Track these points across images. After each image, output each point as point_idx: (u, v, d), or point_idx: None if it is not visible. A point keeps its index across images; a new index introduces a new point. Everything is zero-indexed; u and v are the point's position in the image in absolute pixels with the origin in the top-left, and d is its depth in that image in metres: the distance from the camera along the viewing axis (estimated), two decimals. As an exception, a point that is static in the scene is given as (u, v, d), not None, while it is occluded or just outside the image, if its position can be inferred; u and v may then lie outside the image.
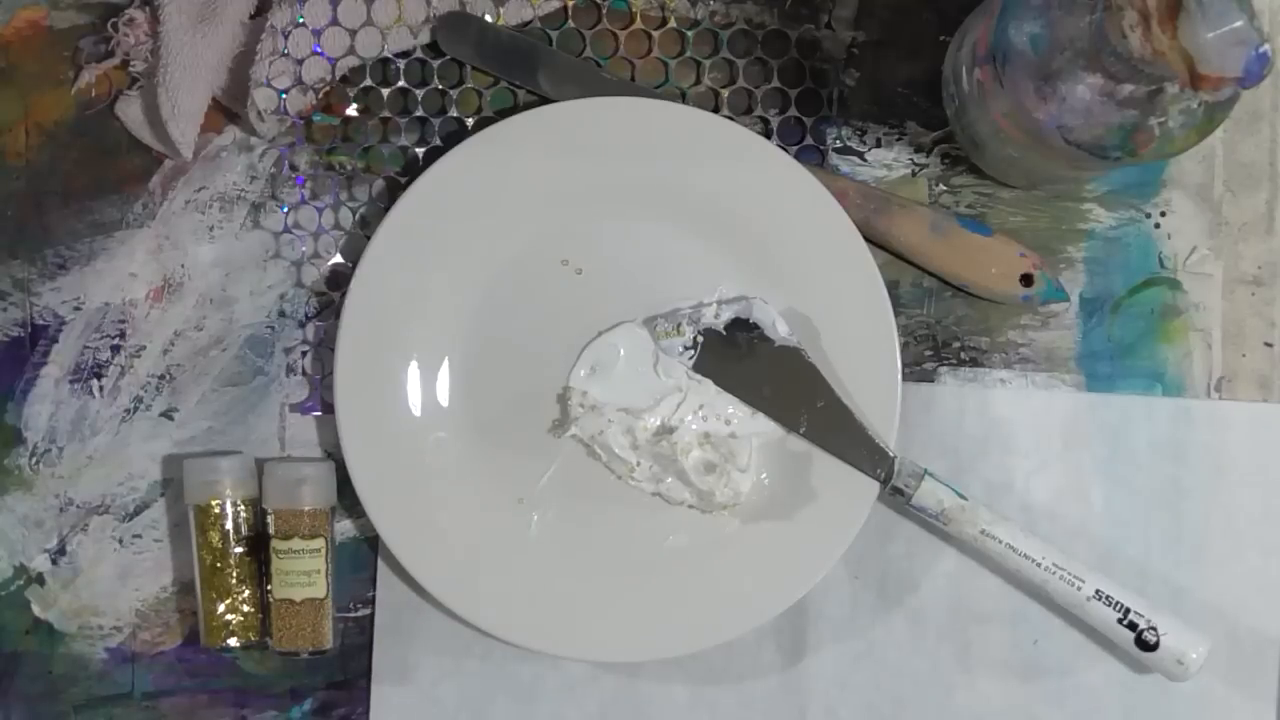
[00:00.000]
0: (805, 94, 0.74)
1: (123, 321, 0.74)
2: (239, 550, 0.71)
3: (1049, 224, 0.74)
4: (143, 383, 0.74)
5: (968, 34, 0.68)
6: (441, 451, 0.72)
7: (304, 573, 0.71)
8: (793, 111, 0.74)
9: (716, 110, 0.74)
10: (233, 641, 0.71)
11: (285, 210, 0.75)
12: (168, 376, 0.74)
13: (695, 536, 0.72)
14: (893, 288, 0.73)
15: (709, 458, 0.71)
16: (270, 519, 0.71)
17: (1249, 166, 0.74)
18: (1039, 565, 0.69)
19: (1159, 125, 0.60)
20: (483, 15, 0.74)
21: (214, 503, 0.71)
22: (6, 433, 0.74)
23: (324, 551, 0.71)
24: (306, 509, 0.71)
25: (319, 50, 0.74)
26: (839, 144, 0.74)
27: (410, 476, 0.72)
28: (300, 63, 0.74)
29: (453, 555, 0.71)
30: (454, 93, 0.74)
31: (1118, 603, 0.69)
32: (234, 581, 0.71)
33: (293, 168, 0.75)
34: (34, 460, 0.74)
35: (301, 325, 0.75)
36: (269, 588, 0.72)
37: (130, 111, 0.74)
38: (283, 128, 0.74)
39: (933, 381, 0.74)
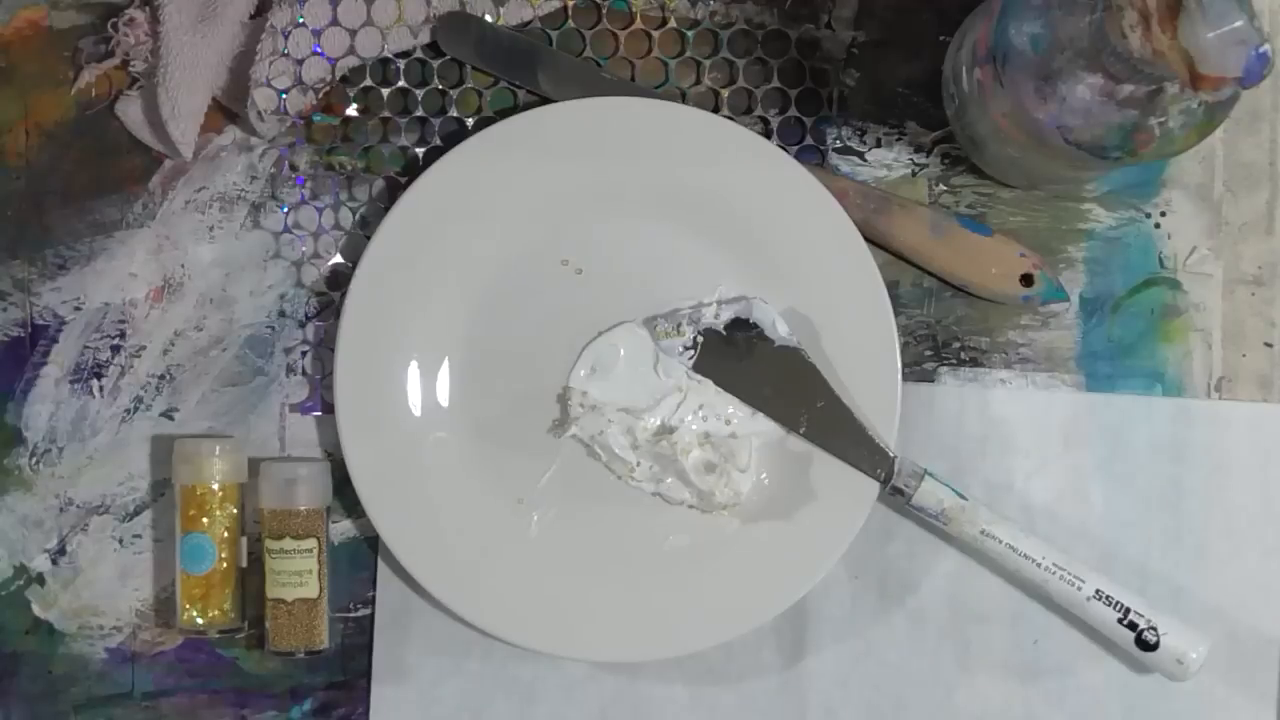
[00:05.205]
0: (805, 94, 0.74)
1: (123, 321, 0.74)
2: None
3: (1049, 224, 0.74)
4: (143, 383, 0.74)
5: (968, 34, 0.68)
6: (441, 451, 0.72)
7: (295, 573, 0.71)
8: (793, 111, 0.74)
9: (716, 110, 0.74)
10: (200, 621, 0.72)
11: (285, 210, 0.75)
12: (168, 376, 0.74)
13: (695, 536, 0.72)
14: (893, 288, 0.73)
15: (709, 458, 0.71)
16: (263, 518, 0.71)
17: (1249, 166, 0.74)
18: (1039, 565, 0.69)
19: (1159, 125, 0.60)
20: (483, 15, 0.74)
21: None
22: (6, 433, 0.74)
23: (316, 552, 0.71)
24: (298, 509, 0.71)
25: (319, 50, 0.74)
26: (839, 144, 0.74)
27: (410, 476, 0.72)
28: (300, 63, 0.74)
29: (453, 555, 0.71)
30: (454, 93, 0.74)
31: (1118, 603, 0.69)
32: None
33: (293, 168, 0.75)
34: (34, 460, 0.74)
35: (301, 325, 0.75)
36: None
37: (130, 111, 0.74)
38: (283, 128, 0.74)
39: (933, 381, 0.74)
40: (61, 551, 0.74)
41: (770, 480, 0.72)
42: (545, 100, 0.74)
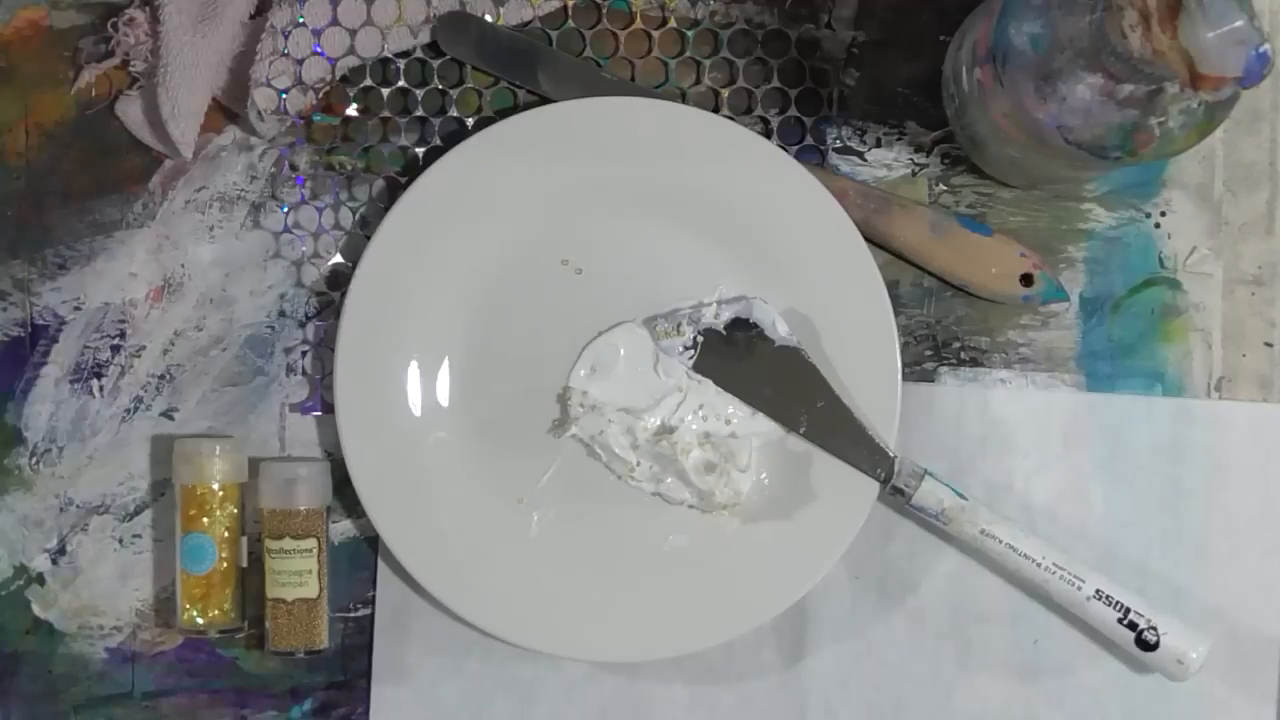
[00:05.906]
0: (805, 94, 0.74)
1: (123, 321, 0.74)
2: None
3: (1049, 224, 0.74)
4: (143, 383, 0.74)
5: (968, 34, 0.68)
6: (441, 451, 0.72)
7: (295, 573, 0.71)
8: (793, 111, 0.74)
9: (716, 110, 0.74)
10: (200, 621, 0.72)
11: (285, 210, 0.75)
12: (168, 376, 0.74)
13: (695, 536, 0.72)
14: (893, 288, 0.73)
15: (709, 458, 0.71)
16: (263, 518, 0.71)
17: (1249, 166, 0.74)
18: (1039, 565, 0.69)
19: (1159, 125, 0.60)
20: (483, 15, 0.74)
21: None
22: (6, 433, 0.74)
23: (316, 552, 0.71)
24: (298, 509, 0.71)
25: (319, 50, 0.74)
26: (839, 144, 0.74)
27: (410, 476, 0.72)
28: (300, 63, 0.74)
29: (453, 555, 0.71)
30: (454, 93, 0.74)
31: (1118, 603, 0.69)
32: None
33: (293, 168, 0.75)
34: (34, 460, 0.74)
35: (301, 325, 0.75)
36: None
37: (130, 111, 0.74)
38: (283, 128, 0.74)
39: (933, 381, 0.74)
40: (61, 551, 0.74)
41: (770, 480, 0.72)
42: (545, 100, 0.74)
